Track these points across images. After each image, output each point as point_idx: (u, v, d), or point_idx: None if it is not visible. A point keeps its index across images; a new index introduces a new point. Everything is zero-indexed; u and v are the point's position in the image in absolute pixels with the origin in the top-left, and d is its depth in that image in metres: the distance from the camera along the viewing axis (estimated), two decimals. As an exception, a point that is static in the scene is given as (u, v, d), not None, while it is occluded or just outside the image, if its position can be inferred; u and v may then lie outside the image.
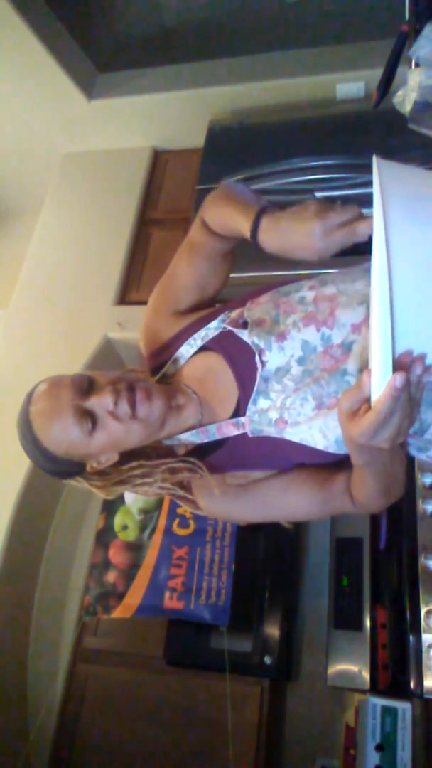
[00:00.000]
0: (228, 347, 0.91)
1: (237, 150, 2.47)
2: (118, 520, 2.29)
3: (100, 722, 2.10)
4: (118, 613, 2.12)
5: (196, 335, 0.95)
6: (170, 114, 2.77)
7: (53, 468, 0.90)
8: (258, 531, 2.19)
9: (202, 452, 0.94)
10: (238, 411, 0.91)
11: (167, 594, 2.09)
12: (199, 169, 2.51)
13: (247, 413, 0.89)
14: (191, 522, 2.19)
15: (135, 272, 2.65)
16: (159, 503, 2.26)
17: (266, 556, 2.19)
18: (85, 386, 0.86)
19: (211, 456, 0.93)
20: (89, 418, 0.84)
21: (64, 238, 2.83)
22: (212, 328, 0.94)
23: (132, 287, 2.61)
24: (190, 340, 0.96)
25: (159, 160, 2.91)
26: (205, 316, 0.97)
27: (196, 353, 0.96)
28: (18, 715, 2.27)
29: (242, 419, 0.89)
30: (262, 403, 0.88)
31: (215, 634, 2.06)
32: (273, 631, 2.08)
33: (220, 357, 0.93)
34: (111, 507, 2.33)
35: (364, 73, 2.39)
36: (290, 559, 2.26)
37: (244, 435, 0.90)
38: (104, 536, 2.28)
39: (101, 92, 2.76)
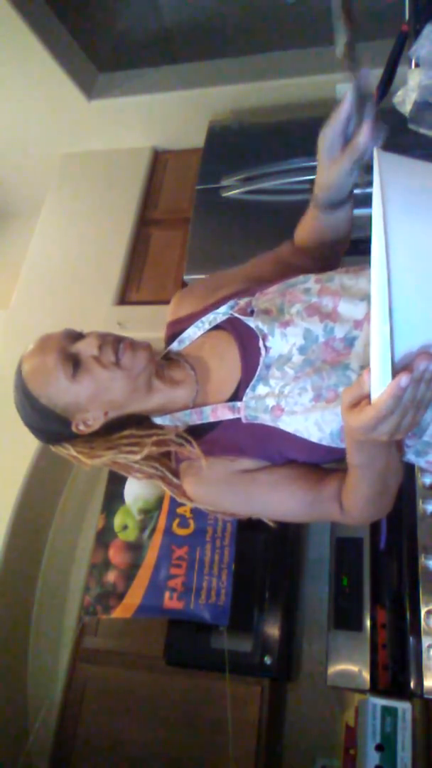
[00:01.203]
0: (239, 329, 0.93)
1: (237, 150, 2.46)
2: (118, 520, 2.29)
3: (100, 722, 2.10)
4: (118, 613, 2.12)
5: (204, 318, 0.98)
6: (170, 114, 2.77)
7: (39, 422, 0.91)
8: (258, 531, 2.19)
9: (193, 433, 0.94)
10: (237, 394, 0.91)
11: (167, 594, 2.09)
12: (199, 169, 2.51)
13: (245, 398, 0.89)
14: (191, 522, 2.19)
15: (135, 272, 2.65)
16: (159, 503, 2.26)
17: (266, 556, 2.19)
18: (74, 335, 0.91)
19: (203, 438, 0.93)
20: (72, 361, 0.87)
21: (64, 238, 2.83)
22: (220, 313, 0.96)
23: (132, 287, 2.61)
24: (198, 323, 0.98)
25: (159, 160, 2.91)
26: (216, 301, 0.99)
27: (209, 331, 0.97)
28: (18, 715, 2.27)
29: (238, 404, 0.90)
30: (261, 389, 0.88)
31: (215, 634, 2.06)
32: (273, 631, 2.08)
33: (231, 337, 0.94)
34: (111, 507, 2.33)
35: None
36: (290, 559, 2.26)
37: (238, 420, 0.90)
38: (104, 536, 2.28)
39: (101, 92, 2.76)
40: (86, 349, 0.88)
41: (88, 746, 2.08)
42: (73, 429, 0.92)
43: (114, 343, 0.89)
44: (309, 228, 1.04)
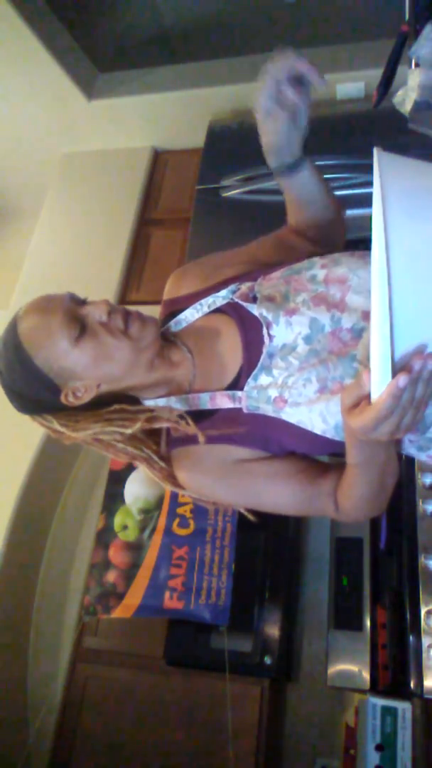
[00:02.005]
0: (241, 315, 0.90)
1: (237, 150, 2.46)
2: (118, 520, 2.29)
3: (100, 722, 2.10)
4: (118, 613, 2.12)
5: (203, 301, 0.94)
6: (170, 114, 2.77)
7: (24, 386, 0.85)
8: (258, 530, 2.19)
9: (191, 416, 0.91)
10: (237, 382, 0.88)
11: (167, 594, 2.09)
12: (199, 169, 2.51)
13: (246, 387, 0.86)
14: (191, 522, 2.19)
15: (135, 272, 2.65)
16: (159, 503, 2.26)
17: (266, 556, 2.19)
18: (79, 300, 0.87)
19: (198, 425, 0.89)
20: (79, 324, 0.83)
21: (64, 238, 2.83)
22: (221, 297, 0.92)
23: (132, 287, 2.61)
24: (197, 305, 0.94)
25: (159, 160, 2.92)
26: (216, 284, 0.96)
27: (209, 314, 0.94)
28: (18, 715, 2.27)
29: (239, 393, 0.86)
30: (263, 379, 0.85)
31: (215, 634, 2.06)
32: (273, 631, 2.08)
33: (233, 322, 0.90)
34: (111, 507, 2.33)
35: (364, 73, 2.39)
36: (290, 559, 2.26)
37: (238, 409, 0.87)
38: (104, 536, 2.28)
39: (101, 92, 2.76)
40: (94, 313, 0.84)
41: (88, 746, 2.08)
42: (62, 398, 0.86)
43: (123, 311, 0.85)
44: (288, 206, 1.04)
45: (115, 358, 0.84)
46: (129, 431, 0.87)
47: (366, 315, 0.81)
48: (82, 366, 0.83)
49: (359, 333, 0.81)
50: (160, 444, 0.94)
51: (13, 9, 2.25)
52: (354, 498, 0.84)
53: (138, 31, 2.63)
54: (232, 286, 0.92)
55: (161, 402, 0.91)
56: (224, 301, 0.92)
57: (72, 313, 0.83)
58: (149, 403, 0.92)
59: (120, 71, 2.78)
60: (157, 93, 2.70)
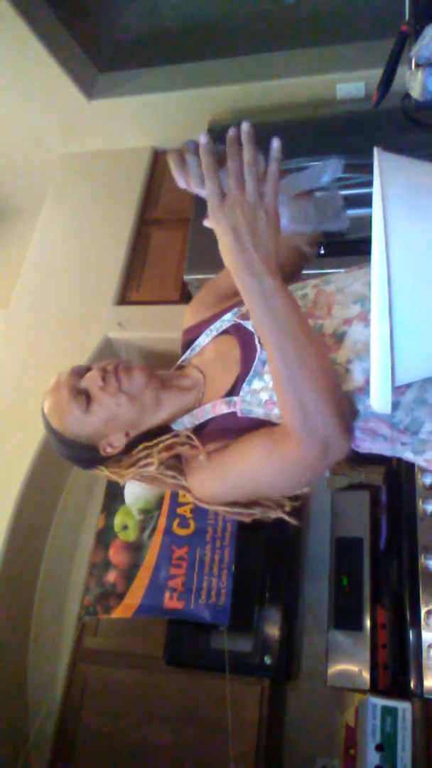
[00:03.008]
0: (242, 333, 0.99)
1: (237, 150, 2.46)
2: (118, 520, 2.29)
3: (100, 722, 2.11)
4: (118, 613, 2.12)
5: (212, 326, 1.05)
6: (170, 114, 2.77)
7: (71, 453, 1.00)
8: (258, 531, 2.19)
9: (196, 430, 0.99)
10: (234, 390, 0.95)
11: (167, 594, 2.09)
12: (199, 169, 2.51)
13: (242, 393, 0.93)
14: (191, 522, 2.19)
15: (135, 272, 2.65)
16: (159, 503, 2.26)
17: (266, 556, 2.19)
18: (82, 371, 0.99)
19: (201, 433, 0.97)
20: (83, 395, 0.95)
21: (64, 238, 2.83)
22: (225, 321, 1.03)
23: (132, 287, 2.61)
24: (207, 331, 1.05)
25: (159, 160, 2.91)
26: (223, 310, 1.05)
27: (217, 336, 1.04)
28: (18, 715, 2.27)
29: (235, 398, 0.93)
30: (256, 383, 0.91)
31: (215, 634, 2.06)
32: (273, 631, 2.08)
33: (235, 340, 0.99)
34: (111, 507, 2.33)
35: (364, 73, 2.39)
36: (290, 559, 2.26)
37: (233, 414, 0.93)
38: (104, 536, 2.28)
39: (101, 92, 2.76)
40: (92, 382, 0.96)
41: (88, 746, 2.08)
42: (101, 453, 0.99)
43: (114, 370, 0.96)
44: None
45: (123, 412, 0.96)
46: (153, 469, 0.97)
47: (347, 321, 0.86)
48: (101, 426, 0.96)
49: (341, 338, 0.85)
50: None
51: (13, 9, 2.25)
52: (282, 393, 0.77)
53: (138, 31, 2.63)
54: (234, 310, 1.03)
55: (179, 425, 1.01)
56: (229, 324, 1.02)
57: (75, 388, 0.96)
58: (175, 427, 1.02)
59: (120, 71, 2.77)
60: (157, 93, 2.70)
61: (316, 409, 0.75)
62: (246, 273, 0.73)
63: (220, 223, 0.74)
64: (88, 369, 0.99)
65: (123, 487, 2.33)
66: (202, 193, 0.78)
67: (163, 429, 1.02)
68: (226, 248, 0.75)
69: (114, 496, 2.33)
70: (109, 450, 0.99)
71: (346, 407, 0.80)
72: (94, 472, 1.04)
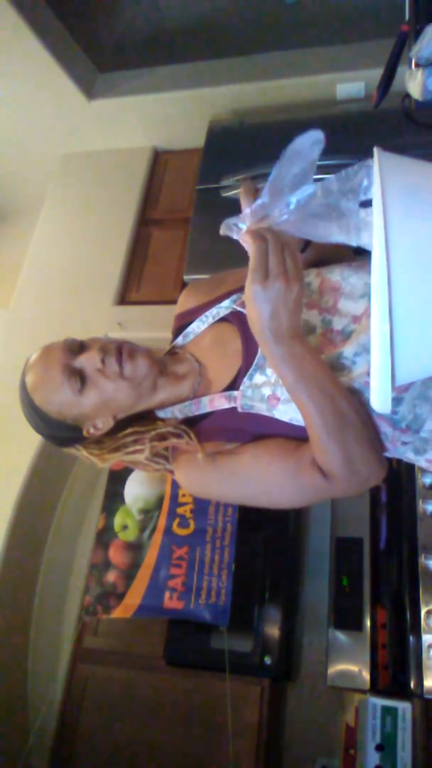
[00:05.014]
0: (243, 322, 0.94)
1: (237, 150, 2.46)
2: (118, 520, 2.29)
3: (100, 722, 2.10)
4: (118, 613, 2.12)
5: (208, 312, 1.00)
6: (170, 114, 2.77)
7: (50, 432, 0.93)
8: (258, 531, 2.19)
9: (189, 422, 0.95)
10: (234, 384, 0.91)
11: (167, 594, 2.09)
12: (199, 169, 2.51)
13: (242, 387, 0.89)
14: (191, 522, 2.19)
15: (135, 272, 2.65)
16: (159, 503, 2.26)
17: (266, 556, 2.19)
18: (76, 348, 0.91)
19: (196, 427, 0.94)
20: (78, 376, 0.88)
21: (64, 238, 2.83)
22: (223, 307, 0.98)
23: (132, 287, 2.61)
24: (203, 317, 1.00)
25: (159, 160, 2.91)
26: (219, 296, 1.01)
27: (215, 324, 1.00)
28: (18, 715, 2.27)
29: (235, 393, 0.90)
30: (258, 378, 0.88)
31: (215, 634, 2.06)
32: (273, 631, 2.08)
33: (235, 329, 0.95)
34: (111, 507, 2.33)
35: (364, 73, 2.39)
36: (290, 559, 2.26)
37: (233, 409, 0.90)
38: (104, 536, 2.28)
39: (101, 92, 2.76)
40: (90, 362, 0.89)
41: (88, 746, 2.08)
42: (84, 434, 0.93)
43: (116, 352, 0.90)
44: None
45: (119, 398, 0.91)
46: (143, 457, 0.94)
47: (356, 319, 0.85)
48: (92, 409, 0.90)
49: (348, 335, 0.84)
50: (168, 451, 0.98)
51: (14, 9, 2.25)
52: (321, 442, 0.78)
53: (138, 31, 2.62)
54: (233, 296, 0.98)
55: (169, 412, 0.96)
56: (227, 311, 0.97)
57: (70, 367, 0.89)
58: (161, 413, 0.97)
59: (120, 71, 2.77)
60: (157, 93, 2.70)
61: (359, 454, 0.78)
62: (277, 343, 0.76)
63: (256, 299, 0.74)
64: (82, 345, 0.92)
65: (122, 486, 2.33)
66: (243, 242, 0.80)
67: (147, 414, 0.97)
68: (257, 320, 0.76)
69: (114, 496, 2.33)
70: (92, 431, 0.93)
71: (378, 439, 0.84)
72: (68, 450, 0.98)
